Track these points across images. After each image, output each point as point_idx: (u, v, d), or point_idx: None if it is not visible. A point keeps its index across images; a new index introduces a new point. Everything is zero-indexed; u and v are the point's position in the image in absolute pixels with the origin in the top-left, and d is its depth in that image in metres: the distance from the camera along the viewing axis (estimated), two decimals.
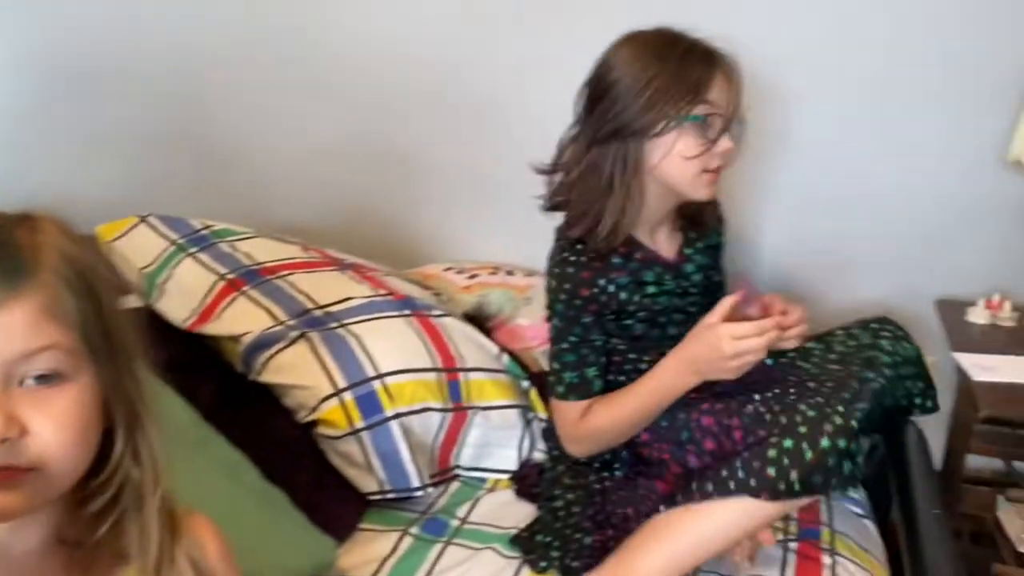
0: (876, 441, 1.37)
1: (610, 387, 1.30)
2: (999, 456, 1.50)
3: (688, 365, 1.19)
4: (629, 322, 1.29)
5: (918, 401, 1.30)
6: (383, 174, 2.02)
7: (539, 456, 1.44)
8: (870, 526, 1.28)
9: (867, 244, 1.76)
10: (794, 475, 1.07)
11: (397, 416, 1.26)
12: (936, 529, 1.07)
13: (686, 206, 1.31)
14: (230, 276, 1.42)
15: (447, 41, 1.87)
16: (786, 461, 1.08)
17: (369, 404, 1.25)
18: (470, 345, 1.42)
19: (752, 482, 1.10)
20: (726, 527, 1.12)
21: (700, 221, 1.35)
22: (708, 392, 1.24)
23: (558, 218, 1.88)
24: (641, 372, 1.34)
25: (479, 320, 1.75)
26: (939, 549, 1.04)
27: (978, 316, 1.58)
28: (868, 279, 1.78)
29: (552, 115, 1.83)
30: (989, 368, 1.34)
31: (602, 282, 1.25)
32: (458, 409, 1.34)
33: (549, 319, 1.29)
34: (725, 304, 1.15)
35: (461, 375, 1.36)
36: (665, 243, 1.32)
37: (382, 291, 1.43)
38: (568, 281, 1.24)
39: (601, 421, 1.26)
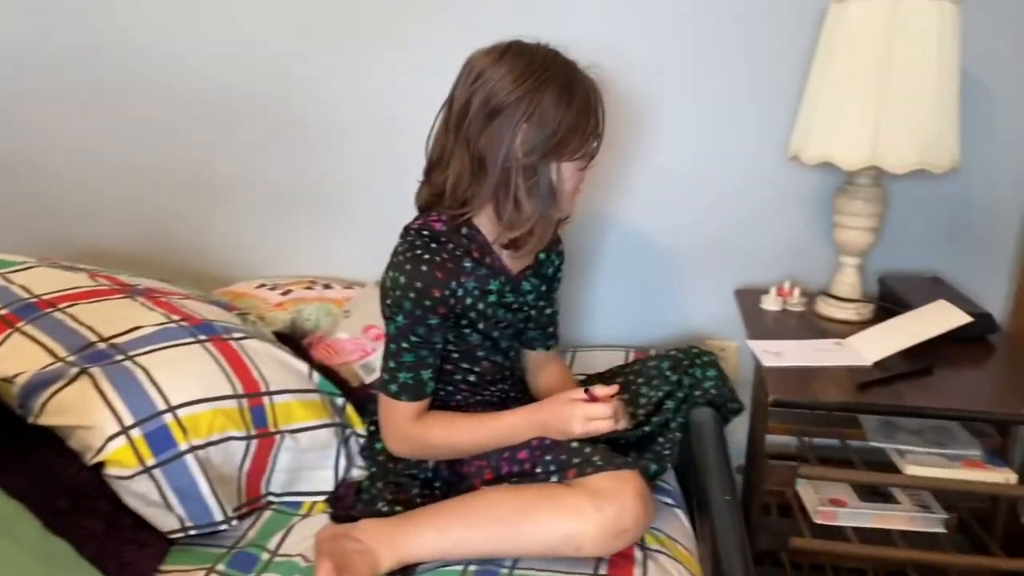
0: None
1: (437, 397, 1.32)
2: (794, 435, 1.59)
3: (536, 427, 1.26)
4: (467, 330, 1.31)
5: (726, 407, 1.44)
6: (194, 192, 1.94)
7: (358, 473, 1.42)
8: (681, 515, 1.32)
9: (682, 237, 1.84)
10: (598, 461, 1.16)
11: (192, 449, 1.20)
12: (726, 515, 1.11)
13: None
14: (2, 312, 1.31)
15: (257, 56, 1.82)
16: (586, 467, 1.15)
17: (160, 439, 1.18)
18: (275, 367, 1.36)
19: (554, 467, 1.18)
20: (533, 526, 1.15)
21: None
22: None
23: (380, 225, 1.86)
24: (469, 384, 1.37)
25: (294, 338, 1.70)
26: (729, 535, 1.08)
27: (771, 303, 1.67)
28: (684, 271, 1.86)
29: (366, 127, 1.83)
30: (777, 354, 1.42)
31: (454, 284, 1.25)
32: (263, 435, 1.29)
33: (390, 316, 1.26)
34: (595, 392, 1.24)
35: (265, 399, 1.31)
36: (510, 256, 1.33)
37: (176, 317, 1.35)
38: (421, 279, 1.22)
39: (434, 437, 1.29)
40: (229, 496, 1.25)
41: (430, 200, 1.31)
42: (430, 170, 1.31)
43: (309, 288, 1.80)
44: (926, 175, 1.46)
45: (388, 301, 1.26)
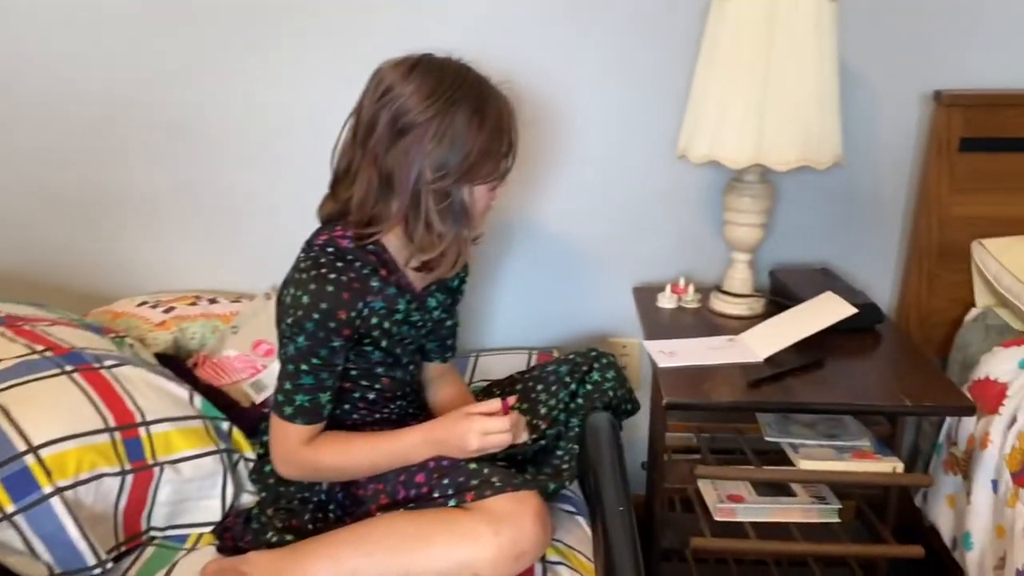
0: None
1: (332, 416, 1.26)
2: (692, 431, 1.60)
3: (432, 445, 1.22)
4: (369, 348, 1.26)
5: (622, 408, 1.44)
6: (65, 207, 1.83)
7: (249, 499, 1.36)
8: (582, 523, 1.31)
9: (581, 237, 1.83)
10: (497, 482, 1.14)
11: (58, 491, 1.12)
12: (620, 525, 1.10)
13: None
14: None
15: (129, 63, 1.72)
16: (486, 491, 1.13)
17: (21, 483, 1.09)
18: (152, 394, 1.29)
19: (451, 491, 1.15)
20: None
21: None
22: None
23: (268, 235, 1.79)
24: (368, 401, 1.32)
25: (178, 359, 1.62)
26: (623, 546, 1.07)
27: (666, 301, 1.68)
28: (584, 270, 1.85)
29: (249, 134, 1.75)
30: (671, 353, 1.42)
31: (360, 305, 1.20)
32: (140, 468, 1.22)
33: (289, 336, 1.19)
34: (489, 406, 1.20)
35: (141, 430, 1.24)
36: (414, 273, 1.29)
37: (40, 347, 1.26)
38: (326, 300, 1.16)
39: (327, 459, 1.23)
40: (105, 536, 1.18)
41: (334, 214, 1.26)
42: (336, 183, 1.25)
43: (193, 304, 1.72)
44: (812, 169, 1.47)
45: (289, 320, 1.19)
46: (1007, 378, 1.48)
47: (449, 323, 1.44)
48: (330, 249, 1.21)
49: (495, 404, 1.20)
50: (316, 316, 1.16)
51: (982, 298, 1.70)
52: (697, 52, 1.54)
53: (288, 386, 1.21)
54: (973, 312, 1.71)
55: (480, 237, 1.34)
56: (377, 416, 1.34)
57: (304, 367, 1.19)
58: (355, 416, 1.33)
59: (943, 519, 1.57)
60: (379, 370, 1.30)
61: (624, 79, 1.71)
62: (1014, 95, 1.63)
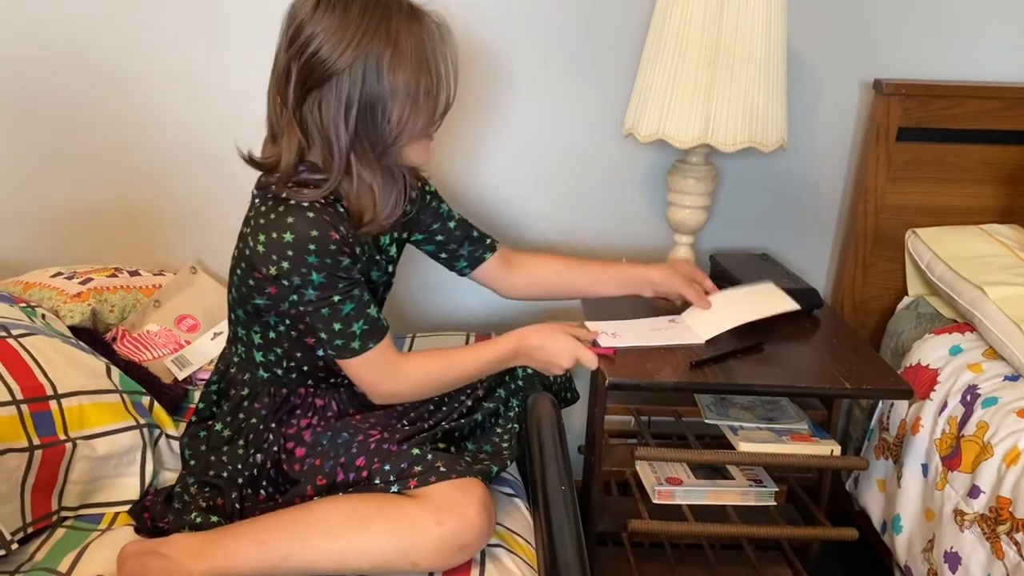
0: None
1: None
2: (631, 414, 1.58)
3: (524, 354, 1.24)
4: None
5: (562, 395, 1.43)
6: None
7: (169, 477, 1.28)
8: (521, 505, 1.27)
9: (524, 215, 1.79)
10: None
11: None
12: (562, 505, 1.07)
13: None
14: None
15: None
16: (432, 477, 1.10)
17: None
18: (65, 366, 1.21)
19: (393, 476, 1.10)
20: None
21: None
22: (384, 422, 1.23)
23: (193, 205, 1.69)
24: (324, 366, 1.25)
25: (95, 332, 1.53)
26: (564, 525, 1.04)
27: None
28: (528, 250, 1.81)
29: (166, 96, 1.66)
30: (614, 335, 1.40)
31: (343, 228, 1.11)
32: (51, 444, 1.14)
33: (296, 283, 1.09)
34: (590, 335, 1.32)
35: (52, 403, 1.16)
36: None
37: None
38: (311, 227, 1.07)
39: (431, 366, 1.20)
40: (11, 516, 1.10)
41: (267, 165, 1.15)
42: (269, 138, 1.17)
43: (113, 276, 1.63)
44: (755, 154, 1.47)
45: (285, 266, 1.08)
46: (938, 364, 1.50)
47: (452, 223, 1.37)
48: (291, 184, 1.11)
49: (594, 335, 1.32)
50: (312, 247, 1.07)
51: (914, 286, 1.73)
52: (646, 29, 1.51)
53: (338, 326, 1.12)
54: (905, 300, 1.74)
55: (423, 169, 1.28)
56: (332, 380, 1.25)
57: (336, 298, 1.11)
58: (310, 382, 1.24)
59: (873, 503, 1.59)
60: None
61: (571, 54, 1.67)
62: (953, 86, 1.65)
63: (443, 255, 1.40)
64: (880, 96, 1.65)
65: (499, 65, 1.68)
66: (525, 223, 1.79)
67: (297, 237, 1.07)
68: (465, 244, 1.39)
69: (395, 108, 1.09)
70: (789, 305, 1.45)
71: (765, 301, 1.46)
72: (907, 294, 1.75)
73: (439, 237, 1.37)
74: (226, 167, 1.68)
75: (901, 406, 1.54)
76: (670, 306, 1.52)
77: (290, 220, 1.07)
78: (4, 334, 1.18)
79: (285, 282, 1.10)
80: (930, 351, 1.54)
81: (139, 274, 1.67)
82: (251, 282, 1.15)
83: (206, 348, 1.56)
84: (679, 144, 1.44)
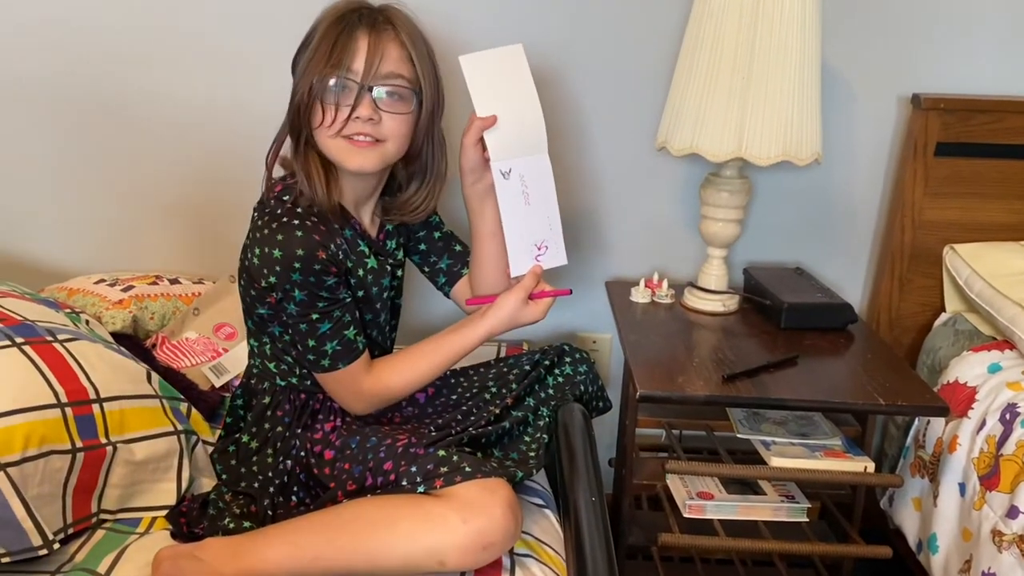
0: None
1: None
2: (662, 427, 1.58)
3: (499, 329, 1.24)
4: (349, 300, 1.22)
5: (593, 404, 1.42)
6: (22, 182, 1.75)
7: (206, 483, 1.31)
8: (550, 515, 1.28)
9: (568, 231, 1.79)
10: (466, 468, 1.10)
11: (4, 467, 1.06)
12: (592, 517, 1.07)
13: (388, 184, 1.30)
14: None
15: (63, 34, 1.65)
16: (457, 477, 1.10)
17: None
18: (108, 370, 1.24)
19: (420, 478, 1.11)
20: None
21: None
22: (412, 427, 1.25)
23: (231, 214, 1.73)
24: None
25: (136, 339, 1.57)
26: (595, 537, 1.05)
27: (640, 295, 1.66)
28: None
29: (197, 108, 1.70)
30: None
31: (332, 246, 1.15)
32: (92, 447, 1.16)
33: (280, 298, 1.14)
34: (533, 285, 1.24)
35: (95, 407, 1.18)
36: (368, 220, 1.27)
37: None
38: (299, 246, 1.11)
39: (394, 380, 1.24)
40: (52, 517, 1.12)
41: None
42: None
43: (154, 284, 1.66)
44: (789, 167, 1.47)
45: (272, 280, 1.13)
46: (976, 382, 1.48)
47: (437, 235, 1.40)
48: (286, 197, 1.17)
49: (543, 285, 1.25)
50: (298, 265, 1.11)
51: (952, 303, 1.71)
52: (678, 43, 1.52)
53: (312, 343, 1.17)
54: (943, 316, 1.72)
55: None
56: None
57: (315, 316, 1.15)
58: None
59: (909, 522, 1.57)
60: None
61: (605, 67, 1.68)
62: (991, 101, 1.63)
63: (426, 268, 1.42)
64: (918, 111, 1.63)
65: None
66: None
67: (284, 254, 1.12)
68: (444, 257, 1.40)
69: (298, 94, 1.15)
70: (516, 54, 1.23)
71: (512, 78, 1.23)
72: (944, 310, 1.72)
73: (422, 246, 1.39)
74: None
75: (937, 424, 1.52)
76: (702, 321, 1.52)
77: (280, 237, 1.12)
78: (51, 339, 1.21)
79: (273, 295, 1.15)
80: (968, 369, 1.52)
81: (179, 282, 1.70)
82: (252, 292, 1.20)
83: (243, 356, 1.58)
84: (713, 158, 1.44)
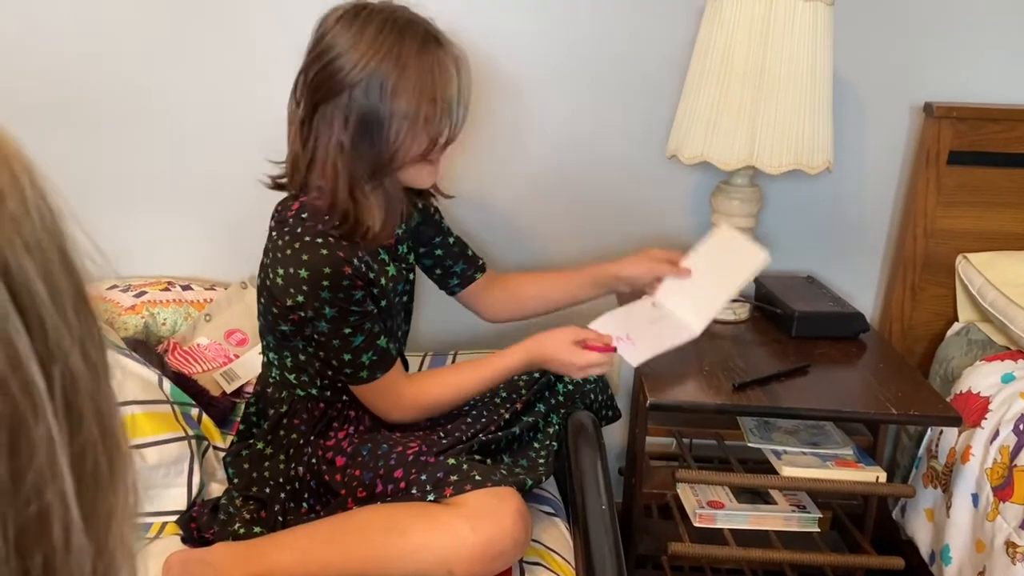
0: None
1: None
2: (672, 436, 1.58)
3: (535, 363, 1.26)
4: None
5: (603, 413, 1.42)
6: None
7: (216, 489, 1.31)
8: (560, 524, 1.28)
9: (562, 236, 1.80)
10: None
11: None
12: (602, 525, 1.07)
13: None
14: None
15: (85, 39, 1.67)
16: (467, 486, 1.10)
17: None
18: (120, 375, 1.24)
19: (430, 486, 1.11)
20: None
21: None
22: (423, 435, 1.25)
23: (244, 220, 1.74)
24: None
25: (147, 344, 1.57)
26: (604, 546, 1.04)
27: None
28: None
29: (216, 116, 1.71)
30: (628, 338, 1.36)
31: (355, 259, 1.15)
32: None
33: (308, 315, 1.13)
34: (598, 338, 1.26)
35: None
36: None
37: None
38: (325, 264, 1.11)
39: (435, 392, 1.25)
40: None
41: (285, 173, 1.22)
42: (289, 142, 1.22)
43: (166, 290, 1.67)
44: (800, 176, 1.46)
45: (299, 300, 1.12)
46: (990, 392, 1.47)
47: (451, 239, 1.42)
48: (304, 215, 1.15)
49: (603, 338, 1.26)
50: (326, 283, 1.11)
51: (965, 312, 1.70)
52: (689, 51, 1.52)
53: (347, 357, 1.17)
54: (956, 326, 1.71)
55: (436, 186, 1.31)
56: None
57: (347, 331, 1.15)
58: (345, 398, 1.26)
59: (921, 532, 1.56)
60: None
61: (616, 75, 1.68)
62: (1004, 110, 1.63)
63: (438, 271, 1.43)
64: (931, 119, 1.63)
65: (541, 89, 1.70)
66: (566, 243, 1.80)
67: (311, 273, 1.11)
68: (460, 262, 1.42)
69: (392, 129, 1.12)
70: (757, 259, 1.37)
71: (734, 265, 1.38)
72: (957, 320, 1.72)
73: (438, 251, 1.41)
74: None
75: (950, 434, 1.51)
76: (712, 329, 1.51)
77: (305, 257, 1.11)
78: None
79: (301, 313, 1.14)
80: (981, 378, 1.51)
81: (191, 288, 1.71)
82: (275, 310, 1.19)
83: (254, 362, 1.59)
84: (724, 166, 1.44)
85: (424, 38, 1.13)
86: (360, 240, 1.16)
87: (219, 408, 1.47)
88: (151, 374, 1.30)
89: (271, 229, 1.20)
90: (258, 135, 1.70)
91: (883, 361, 1.47)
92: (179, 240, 1.81)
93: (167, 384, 1.32)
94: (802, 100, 1.41)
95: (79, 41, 1.67)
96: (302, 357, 1.24)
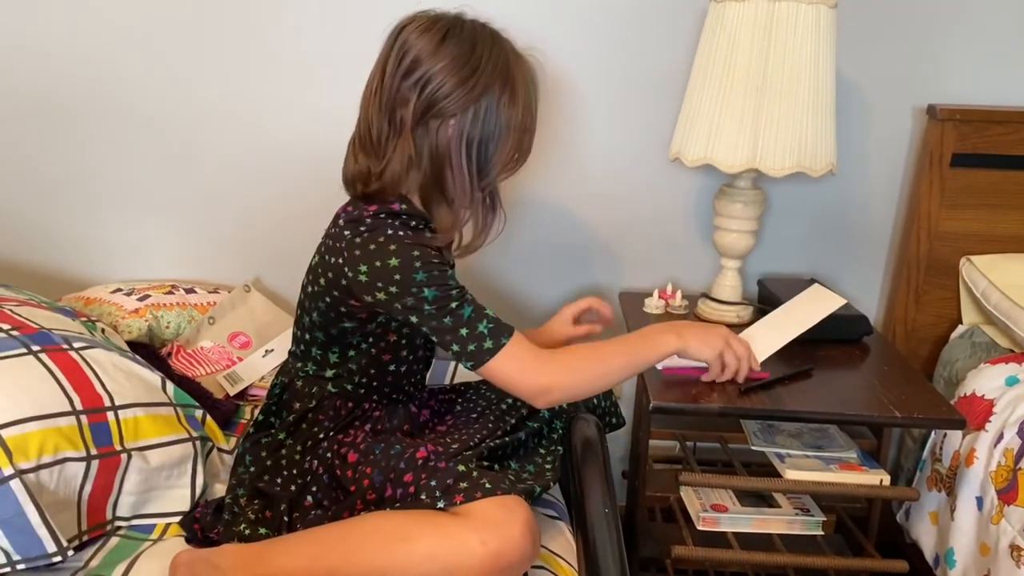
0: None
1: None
2: (676, 439, 1.57)
3: (682, 333, 1.23)
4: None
5: (606, 420, 1.42)
6: (39, 192, 1.77)
7: (220, 489, 1.31)
8: (564, 528, 1.27)
9: (566, 240, 1.80)
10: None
11: (19, 474, 1.06)
12: (605, 529, 1.07)
13: None
14: None
15: (93, 45, 1.67)
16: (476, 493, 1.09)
17: None
18: (122, 378, 1.24)
19: (439, 492, 1.10)
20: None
21: None
22: (434, 440, 1.25)
23: (248, 225, 1.74)
24: (398, 374, 1.28)
25: (151, 347, 1.58)
26: (607, 549, 1.04)
27: (653, 306, 1.65)
28: (568, 274, 1.82)
29: (221, 119, 1.71)
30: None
31: (433, 246, 1.17)
32: (107, 454, 1.17)
33: (410, 303, 1.12)
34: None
35: (109, 414, 1.19)
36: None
37: (6, 326, 1.22)
38: (413, 247, 1.12)
39: (575, 355, 1.18)
40: (67, 523, 1.13)
41: (358, 177, 1.20)
42: (362, 149, 1.20)
43: (169, 293, 1.67)
44: (804, 178, 1.46)
45: (393, 290, 1.11)
46: (994, 395, 1.46)
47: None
48: (383, 215, 1.16)
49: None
50: (418, 264, 1.11)
51: (969, 315, 1.70)
52: (692, 53, 1.52)
53: (464, 332, 1.13)
54: (960, 329, 1.71)
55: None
56: (394, 396, 1.30)
57: (454, 304, 1.13)
58: (375, 397, 1.27)
59: (926, 536, 1.55)
60: (418, 341, 1.29)
61: (619, 77, 1.69)
62: (1008, 112, 1.62)
63: None
64: (934, 121, 1.63)
65: (543, 91, 1.69)
66: (569, 245, 1.80)
67: (402, 261, 1.11)
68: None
69: (502, 143, 1.17)
70: (835, 302, 1.45)
71: (811, 306, 1.45)
72: (961, 322, 1.71)
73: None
74: (281, 188, 1.72)
75: (954, 437, 1.51)
76: None
77: (392, 247, 1.12)
78: (67, 347, 1.22)
79: (398, 305, 1.13)
80: (985, 381, 1.50)
81: (194, 291, 1.71)
82: (343, 309, 1.19)
83: (257, 365, 1.60)
84: (727, 169, 1.44)
85: (515, 50, 1.19)
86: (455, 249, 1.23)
87: (222, 410, 1.47)
88: (154, 377, 1.30)
89: (342, 229, 1.18)
90: (262, 138, 1.72)
91: (887, 364, 1.47)
92: (183, 244, 1.81)
93: (170, 386, 1.32)
94: (805, 102, 1.41)
95: (79, 41, 1.67)
96: (351, 353, 1.24)
